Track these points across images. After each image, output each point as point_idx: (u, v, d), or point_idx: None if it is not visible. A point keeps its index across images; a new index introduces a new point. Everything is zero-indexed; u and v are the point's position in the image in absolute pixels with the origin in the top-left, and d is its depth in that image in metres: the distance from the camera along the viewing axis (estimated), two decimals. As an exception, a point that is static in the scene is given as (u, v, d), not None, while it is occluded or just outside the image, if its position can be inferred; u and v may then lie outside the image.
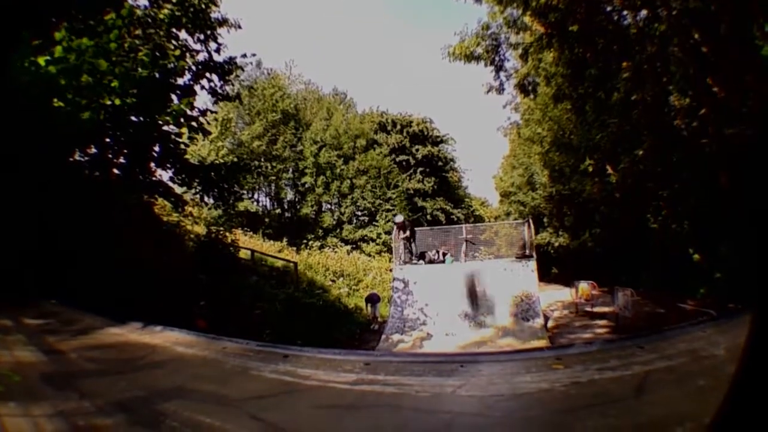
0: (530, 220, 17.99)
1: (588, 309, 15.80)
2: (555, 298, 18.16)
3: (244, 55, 13.90)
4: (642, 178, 17.27)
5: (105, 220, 8.61)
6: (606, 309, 15.11)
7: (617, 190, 19.68)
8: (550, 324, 14.96)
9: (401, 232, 18.34)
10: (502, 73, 18.11)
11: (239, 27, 14.22)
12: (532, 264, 15.80)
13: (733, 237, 12.38)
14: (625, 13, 15.02)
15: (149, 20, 11.63)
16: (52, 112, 7.61)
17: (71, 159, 9.06)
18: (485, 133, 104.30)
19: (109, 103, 8.40)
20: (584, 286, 16.24)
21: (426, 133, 37.52)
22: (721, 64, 12.36)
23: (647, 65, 14.50)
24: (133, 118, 9.61)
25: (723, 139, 12.47)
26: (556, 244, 29.12)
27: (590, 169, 21.37)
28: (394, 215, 29.50)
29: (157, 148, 10.57)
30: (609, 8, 15.08)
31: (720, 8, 11.63)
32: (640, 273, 17.37)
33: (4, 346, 4.24)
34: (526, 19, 15.66)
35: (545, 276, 20.50)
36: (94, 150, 9.63)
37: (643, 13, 14.35)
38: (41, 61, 7.58)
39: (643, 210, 18.59)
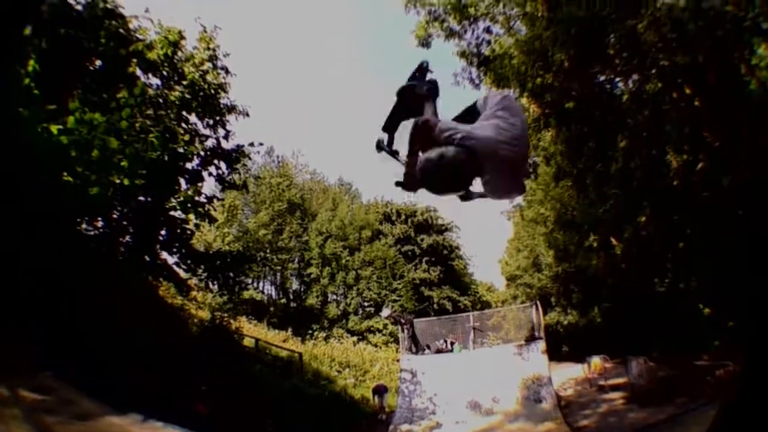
0: (538, 302, 18.20)
1: (602, 383, 15.29)
2: (567, 375, 17.57)
3: (252, 144, 13.93)
4: (646, 244, 17.23)
5: (109, 296, 8.59)
6: (620, 380, 14.60)
7: (623, 261, 19.55)
8: (563, 402, 14.43)
9: (400, 326, 18.50)
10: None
11: (247, 115, 14.26)
12: (542, 345, 15.73)
13: (736, 283, 12.18)
14: (617, 80, 15.38)
15: (160, 101, 11.85)
16: (61, 184, 7.67)
17: (78, 230, 8.98)
18: (489, 218, 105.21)
19: (117, 181, 8.51)
20: (596, 360, 15.82)
21: (430, 222, 37.80)
22: (713, 109, 12.52)
23: (643, 129, 14.67)
24: (141, 198, 9.75)
25: (720, 189, 12.48)
26: (565, 323, 28.45)
27: (595, 244, 21.41)
28: (394, 305, 29.09)
29: (163, 232, 10.70)
30: (602, 78, 15.40)
31: (707, 57, 11.72)
32: (651, 339, 16.87)
33: (1, 420, 4.18)
34: (524, 101, 16.33)
35: (556, 355, 19.90)
36: (101, 223, 9.58)
37: (635, 77, 14.66)
38: (54, 129, 7.63)
39: (650, 275, 18.39)
